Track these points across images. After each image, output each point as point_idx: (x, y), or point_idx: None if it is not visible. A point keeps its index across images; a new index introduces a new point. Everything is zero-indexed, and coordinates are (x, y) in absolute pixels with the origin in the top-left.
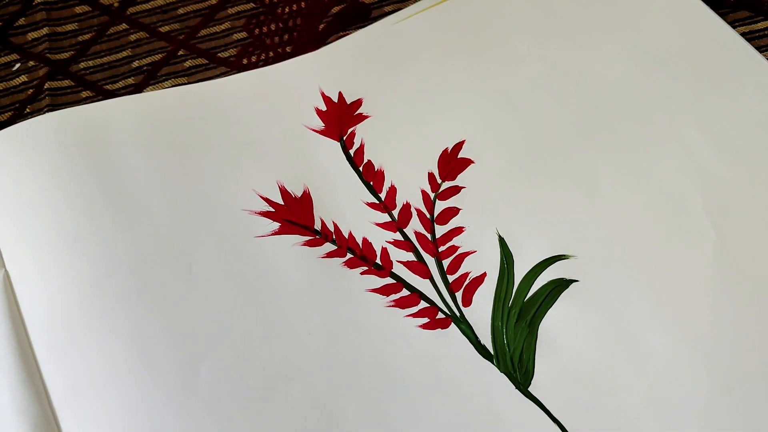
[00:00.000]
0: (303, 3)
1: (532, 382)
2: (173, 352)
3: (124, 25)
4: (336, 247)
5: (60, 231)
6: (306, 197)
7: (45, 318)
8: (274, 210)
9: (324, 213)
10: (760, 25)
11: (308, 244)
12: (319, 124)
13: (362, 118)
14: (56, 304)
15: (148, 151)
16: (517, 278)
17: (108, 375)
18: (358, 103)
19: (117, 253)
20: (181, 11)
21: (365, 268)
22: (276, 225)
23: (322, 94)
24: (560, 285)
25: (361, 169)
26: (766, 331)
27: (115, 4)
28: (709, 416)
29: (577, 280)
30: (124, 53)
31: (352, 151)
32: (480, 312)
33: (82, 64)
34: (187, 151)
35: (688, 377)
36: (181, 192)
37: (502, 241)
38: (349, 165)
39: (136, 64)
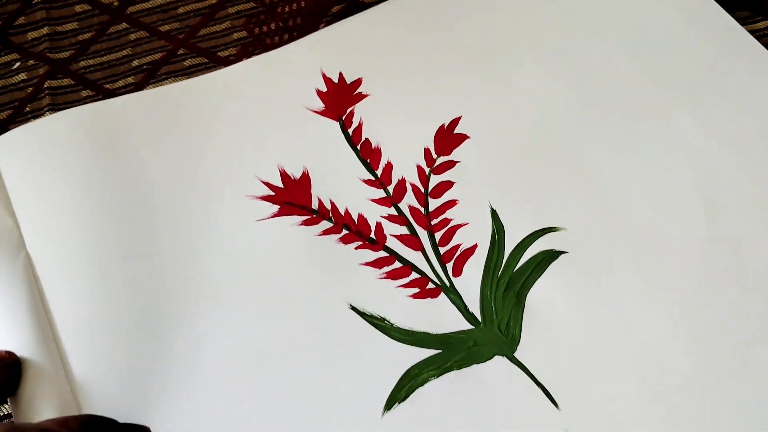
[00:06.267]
0: (303, 2)
1: (518, 348)
2: (180, 330)
3: (124, 24)
4: (332, 224)
5: (77, 218)
6: (305, 178)
7: (63, 296)
8: (274, 193)
9: (322, 192)
10: (760, 25)
11: (306, 223)
12: (320, 105)
13: (361, 97)
14: (74, 284)
15: (157, 144)
16: (508, 249)
17: (121, 347)
18: (357, 82)
19: (130, 237)
20: (181, 10)
21: (360, 242)
22: (276, 207)
23: (323, 75)
24: (549, 256)
25: (359, 147)
26: (750, 304)
27: (115, 3)
28: (692, 384)
29: (566, 252)
30: (124, 52)
31: (350, 130)
32: (469, 282)
33: (82, 63)
34: (193, 142)
35: (673, 347)
36: (188, 181)
37: (494, 214)
38: (347, 143)
39: (136, 63)
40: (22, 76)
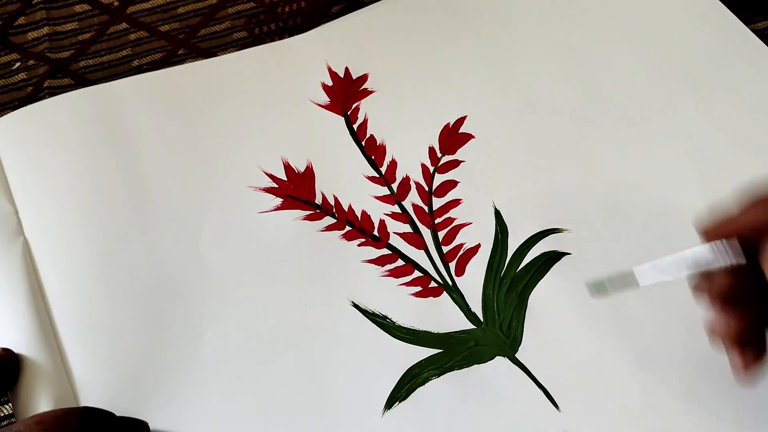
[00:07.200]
0: (303, 2)
1: (519, 348)
2: (180, 320)
3: (124, 24)
4: (335, 220)
5: (76, 203)
6: (308, 172)
7: (61, 283)
8: (277, 186)
9: (326, 187)
10: (760, 25)
11: (309, 218)
12: (325, 98)
13: (367, 93)
14: (72, 271)
15: (159, 129)
16: (511, 250)
17: (120, 338)
18: (363, 78)
19: (130, 225)
20: (181, 10)
21: (363, 239)
22: (279, 200)
23: (329, 69)
24: (552, 257)
25: (363, 143)
26: None
27: (115, 3)
28: (692, 386)
29: (569, 253)
30: (124, 52)
31: (355, 126)
32: (472, 281)
33: (82, 63)
34: (197, 128)
35: (674, 349)
36: (190, 169)
37: (497, 214)
38: (352, 139)
39: (136, 63)
40: (22, 75)
